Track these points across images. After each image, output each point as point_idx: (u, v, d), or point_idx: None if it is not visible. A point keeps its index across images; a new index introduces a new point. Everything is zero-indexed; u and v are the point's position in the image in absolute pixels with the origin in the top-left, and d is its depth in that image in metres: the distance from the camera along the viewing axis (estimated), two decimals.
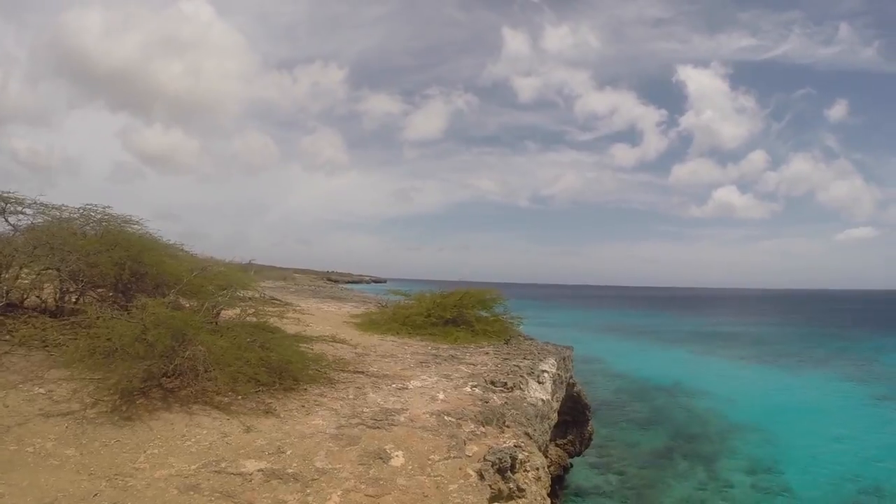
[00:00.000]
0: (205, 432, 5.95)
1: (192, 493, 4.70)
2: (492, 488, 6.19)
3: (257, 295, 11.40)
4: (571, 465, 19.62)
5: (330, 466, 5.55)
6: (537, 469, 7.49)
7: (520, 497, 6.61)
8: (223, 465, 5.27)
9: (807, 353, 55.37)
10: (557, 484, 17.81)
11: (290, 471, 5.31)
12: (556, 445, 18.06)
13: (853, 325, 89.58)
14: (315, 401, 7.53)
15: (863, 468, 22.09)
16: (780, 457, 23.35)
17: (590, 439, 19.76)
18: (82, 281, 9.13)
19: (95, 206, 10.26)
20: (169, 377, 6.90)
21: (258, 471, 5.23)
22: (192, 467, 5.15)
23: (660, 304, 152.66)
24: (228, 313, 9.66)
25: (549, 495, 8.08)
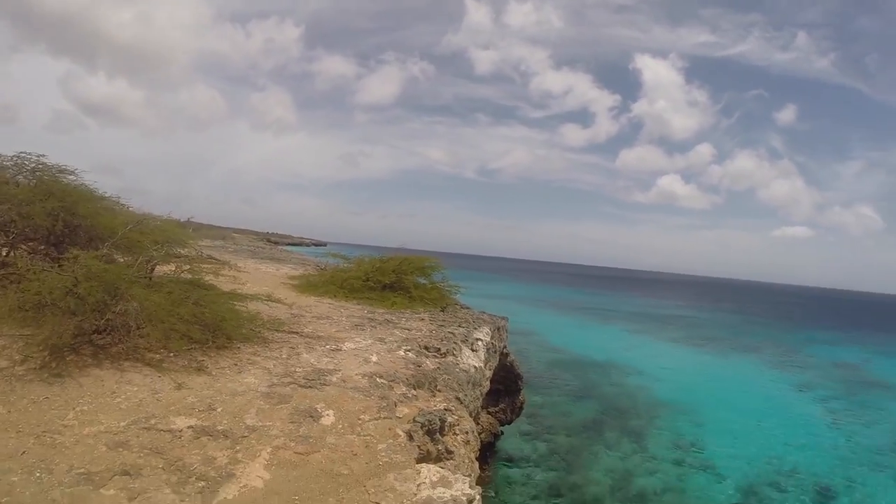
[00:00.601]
0: (135, 389, 5.98)
1: (120, 449, 4.76)
2: (420, 449, 6.42)
3: (194, 253, 11.25)
4: (502, 433, 20.30)
5: (260, 424, 5.68)
6: (466, 433, 7.76)
7: (448, 459, 6.85)
8: (153, 421, 5.34)
9: (737, 340, 59.01)
10: (488, 450, 18.47)
11: (220, 428, 5.43)
12: (488, 413, 18.63)
13: (783, 318, 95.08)
14: (248, 359, 7.63)
15: (781, 451, 23.89)
16: (704, 435, 24.98)
17: (521, 408, 20.43)
18: (13, 233, 8.87)
19: (29, 154, 9.95)
20: (100, 333, 6.85)
21: (188, 427, 5.33)
22: (122, 424, 5.19)
23: (599, 283, 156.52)
24: (163, 269, 9.56)
25: (479, 461, 8.36)
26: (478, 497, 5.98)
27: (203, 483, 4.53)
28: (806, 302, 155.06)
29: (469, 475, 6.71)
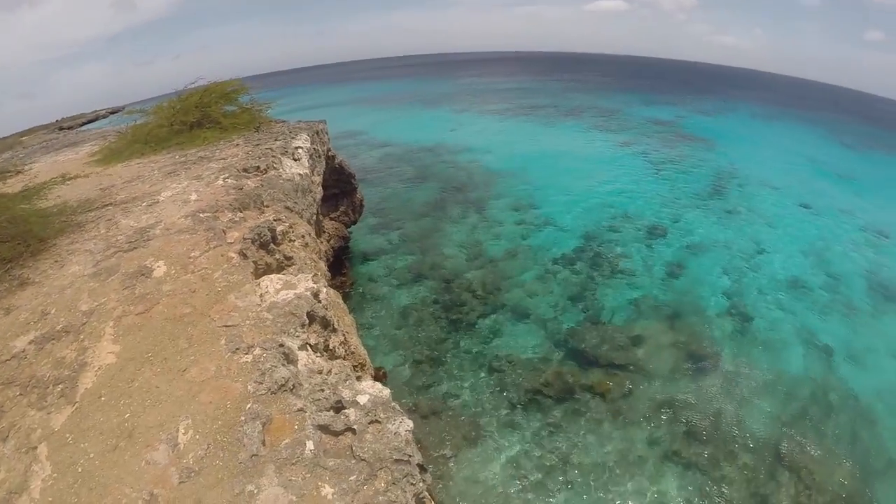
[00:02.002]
0: None
1: None
2: (257, 264, 6.84)
3: None
4: (351, 233, 21.15)
5: (96, 304, 5.95)
6: (303, 237, 8.21)
7: (290, 265, 7.33)
8: None
9: (559, 106, 61.79)
10: (343, 254, 19.45)
11: (59, 328, 5.68)
12: (331, 219, 19.29)
13: (601, 85, 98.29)
14: (67, 250, 7.63)
15: (613, 199, 27.44)
16: (539, 196, 27.84)
17: (362, 206, 21.31)
18: None
19: None
20: None
21: (29, 343, 5.56)
22: None
23: (417, 72, 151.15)
24: None
25: (335, 265, 8.76)
26: (324, 289, 6.58)
27: (62, 386, 4.90)
28: (621, 70, 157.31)
29: (313, 273, 7.23)
